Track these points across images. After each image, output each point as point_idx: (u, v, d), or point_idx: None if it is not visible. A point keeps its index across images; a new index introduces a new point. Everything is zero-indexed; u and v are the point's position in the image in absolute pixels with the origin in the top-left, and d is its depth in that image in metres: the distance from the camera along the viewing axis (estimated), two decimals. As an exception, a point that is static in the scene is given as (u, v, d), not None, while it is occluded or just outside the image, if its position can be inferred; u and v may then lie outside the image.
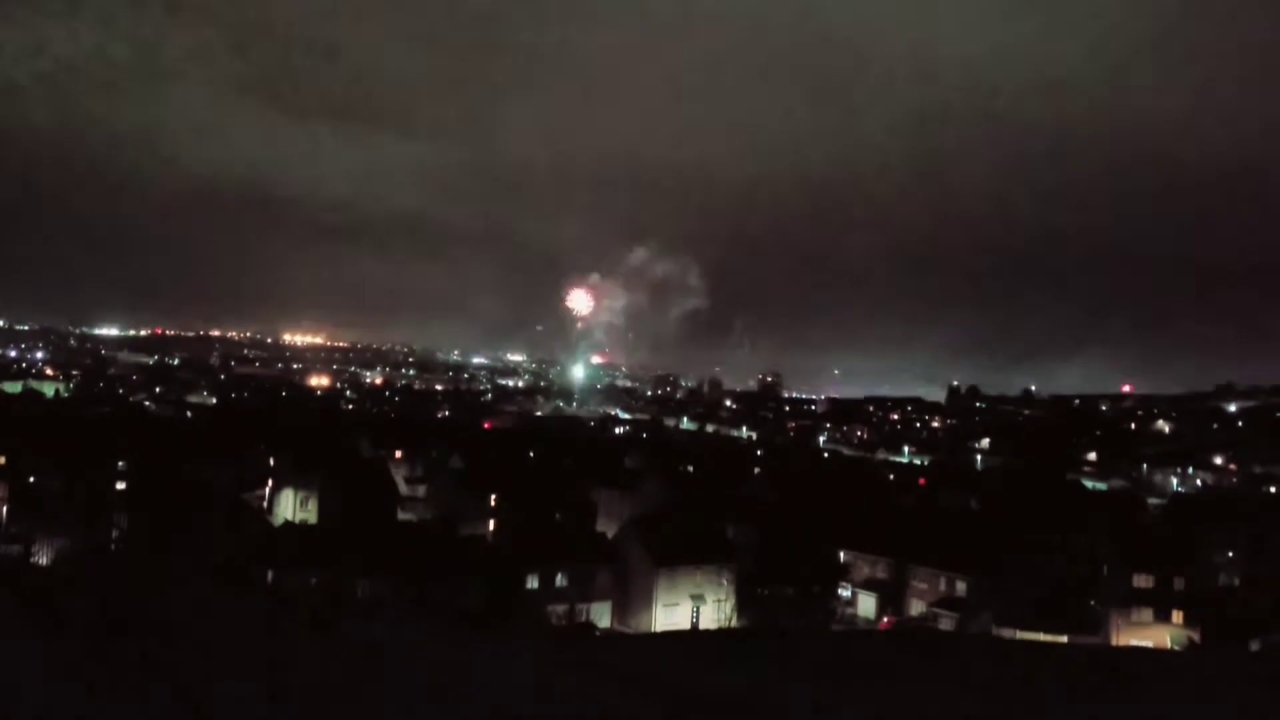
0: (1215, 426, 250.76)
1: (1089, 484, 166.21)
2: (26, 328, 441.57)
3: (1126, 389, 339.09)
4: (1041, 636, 64.81)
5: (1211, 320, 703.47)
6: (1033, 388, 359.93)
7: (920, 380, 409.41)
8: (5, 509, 77.27)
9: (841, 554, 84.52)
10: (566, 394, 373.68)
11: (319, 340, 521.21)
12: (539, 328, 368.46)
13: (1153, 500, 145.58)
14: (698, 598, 72.08)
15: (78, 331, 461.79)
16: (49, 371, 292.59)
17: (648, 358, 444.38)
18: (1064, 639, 64.61)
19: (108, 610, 15.22)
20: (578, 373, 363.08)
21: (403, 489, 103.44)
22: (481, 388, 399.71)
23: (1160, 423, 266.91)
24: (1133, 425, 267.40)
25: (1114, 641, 68.38)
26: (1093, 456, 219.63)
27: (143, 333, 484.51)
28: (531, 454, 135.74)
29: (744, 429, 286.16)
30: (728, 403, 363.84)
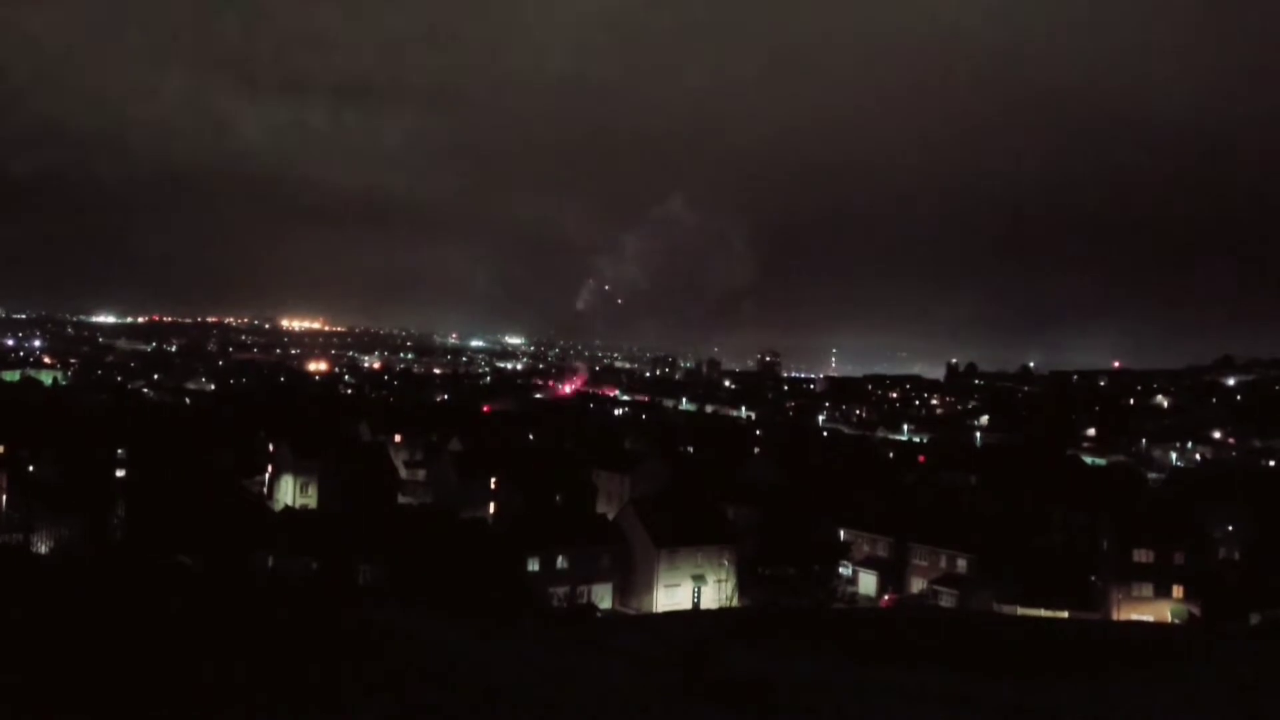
0: (1214, 400, 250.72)
1: (1088, 460, 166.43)
2: (24, 316, 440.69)
3: (1116, 365, 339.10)
4: (1042, 612, 65.08)
5: (1211, 293, 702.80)
6: (1031, 364, 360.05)
7: (918, 358, 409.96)
8: (5, 497, 77.29)
9: (842, 533, 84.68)
10: (565, 376, 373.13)
11: (316, 325, 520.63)
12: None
13: (1152, 475, 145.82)
14: (699, 578, 72.22)
15: (75, 319, 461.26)
16: (47, 360, 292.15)
17: (649, 336, 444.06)
18: (1064, 615, 64.90)
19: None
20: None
21: (403, 473, 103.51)
22: (480, 371, 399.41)
23: (1159, 397, 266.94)
24: (1132, 400, 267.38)
25: (1114, 617, 68.59)
26: (1092, 432, 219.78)
27: (140, 320, 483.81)
28: (531, 436, 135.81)
29: (743, 409, 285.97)
30: (727, 383, 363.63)
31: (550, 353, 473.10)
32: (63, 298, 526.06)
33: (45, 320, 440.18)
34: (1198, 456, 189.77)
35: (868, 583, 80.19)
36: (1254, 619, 61.27)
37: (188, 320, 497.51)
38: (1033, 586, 69.03)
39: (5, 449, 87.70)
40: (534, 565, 66.17)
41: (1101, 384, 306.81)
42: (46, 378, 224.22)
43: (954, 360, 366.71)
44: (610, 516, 78.78)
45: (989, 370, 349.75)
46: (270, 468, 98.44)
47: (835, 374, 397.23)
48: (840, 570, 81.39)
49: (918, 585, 77.92)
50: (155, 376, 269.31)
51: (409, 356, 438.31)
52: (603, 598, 68.68)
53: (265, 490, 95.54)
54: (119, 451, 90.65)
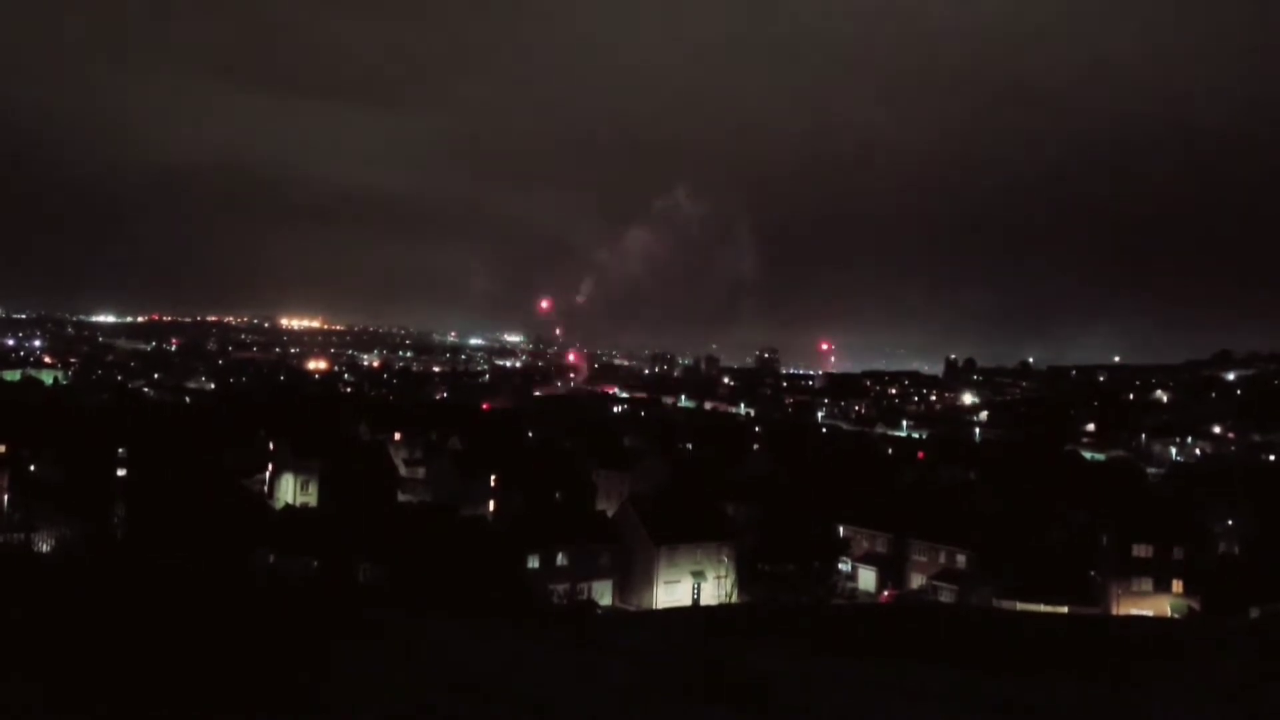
0: (1213, 395, 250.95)
1: (1087, 455, 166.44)
2: (24, 316, 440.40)
3: (1115, 360, 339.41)
4: (1041, 608, 65.12)
5: (1210, 289, 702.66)
6: (1030, 360, 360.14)
7: (917, 354, 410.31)
8: (6, 497, 77.28)
9: (841, 529, 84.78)
10: (564, 374, 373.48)
11: (316, 324, 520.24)
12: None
13: (1152, 470, 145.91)
14: (698, 575, 72.31)
15: (75, 319, 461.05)
16: (47, 359, 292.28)
17: (648, 334, 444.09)
18: (1064, 610, 64.95)
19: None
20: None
21: (402, 471, 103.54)
22: (479, 369, 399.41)
23: (1159, 392, 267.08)
24: (1131, 395, 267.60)
25: (1114, 612, 68.65)
26: (1091, 427, 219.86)
27: (140, 319, 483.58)
28: (530, 434, 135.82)
29: (742, 406, 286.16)
30: (725, 380, 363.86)
31: (549, 350, 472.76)
32: (63, 297, 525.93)
33: (45, 320, 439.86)
34: (1197, 451, 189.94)
35: (867, 579, 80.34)
36: (1254, 613, 61.37)
37: (187, 319, 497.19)
38: (1032, 582, 69.10)
39: (6, 448, 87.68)
40: (534, 563, 66.24)
41: (1101, 379, 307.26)
42: (47, 377, 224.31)
43: (953, 356, 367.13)
44: (610, 514, 78.86)
45: (988, 366, 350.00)
46: (270, 466, 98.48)
47: (834, 370, 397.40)
48: (840, 566, 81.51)
49: (917, 581, 78.05)
50: (155, 376, 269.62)
51: (408, 355, 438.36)
52: (603, 595, 68.78)
53: (265, 489, 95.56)
54: (119, 451, 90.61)
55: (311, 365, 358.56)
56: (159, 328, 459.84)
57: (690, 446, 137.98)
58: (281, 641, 14.03)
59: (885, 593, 77.31)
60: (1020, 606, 65.47)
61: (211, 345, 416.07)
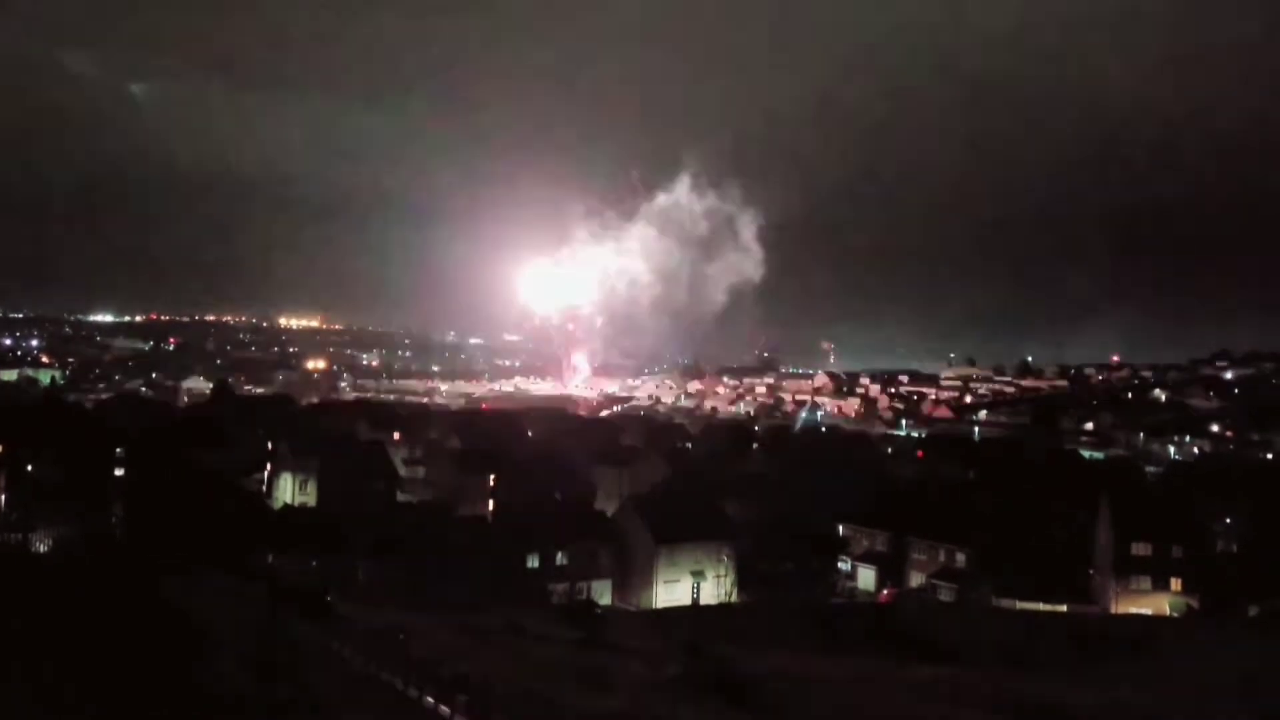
0: (1212, 394, 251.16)
1: (1086, 454, 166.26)
2: (21, 315, 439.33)
3: (1114, 359, 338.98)
4: (1041, 606, 65.21)
5: (1209, 287, 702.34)
6: (1029, 359, 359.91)
7: (917, 353, 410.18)
8: (4, 497, 77.22)
9: (841, 528, 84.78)
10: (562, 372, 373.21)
11: (315, 324, 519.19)
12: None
13: (1150, 469, 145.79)
14: (698, 574, 72.29)
15: (72, 318, 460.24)
16: (45, 359, 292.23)
17: (647, 332, 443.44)
18: (1063, 608, 65.04)
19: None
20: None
21: (402, 471, 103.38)
22: (478, 369, 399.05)
23: (1157, 391, 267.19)
24: (1130, 394, 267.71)
25: (1113, 610, 68.71)
26: (1090, 426, 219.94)
27: (138, 319, 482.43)
28: (530, 434, 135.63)
29: (741, 405, 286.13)
30: (725, 378, 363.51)
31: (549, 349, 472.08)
32: (60, 297, 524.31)
33: (43, 319, 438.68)
34: (1196, 450, 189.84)
35: (866, 578, 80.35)
36: (1252, 610, 61.47)
37: (185, 319, 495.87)
38: (1031, 581, 69.12)
39: (3, 449, 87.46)
40: (533, 562, 66.25)
41: (1100, 378, 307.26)
42: (45, 376, 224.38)
43: (953, 355, 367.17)
44: (609, 513, 78.82)
45: (988, 365, 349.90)
46: (269, 465, 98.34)
47: (834, 370, 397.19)
48: (839, 565, 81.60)
49: (917, 580, 78.05)
50: (153, 375, 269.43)
51: (407, 354, 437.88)
52: (602, 594, 68.73)
53: (264, 488, 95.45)
54: (118, 451, 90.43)
55: (311, 365, 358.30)
56: (157, 327, 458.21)
57: (690, 445, 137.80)
58: (279, 641, 14.03)
59: (885, 591, 77.28)
60: (1019, 605, 65.59)
61: (210, 345, 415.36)
